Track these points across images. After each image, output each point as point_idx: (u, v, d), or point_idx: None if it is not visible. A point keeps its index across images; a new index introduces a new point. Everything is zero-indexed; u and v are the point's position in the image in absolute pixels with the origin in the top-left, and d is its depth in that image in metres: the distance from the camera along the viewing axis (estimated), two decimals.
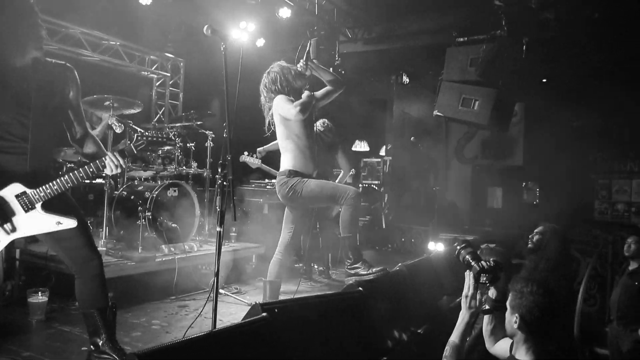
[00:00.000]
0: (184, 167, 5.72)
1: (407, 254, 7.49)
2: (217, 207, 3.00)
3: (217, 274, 3.01)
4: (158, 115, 7.94)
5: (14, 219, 2.66)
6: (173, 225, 5.27)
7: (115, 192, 5.42)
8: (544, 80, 8.70)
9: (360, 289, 3.55)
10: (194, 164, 5.97)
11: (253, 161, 6.06)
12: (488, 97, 6.57)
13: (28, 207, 2.68)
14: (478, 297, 2.60)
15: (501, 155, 10.65)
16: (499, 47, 6.15)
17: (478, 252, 2.80)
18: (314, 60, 4.23)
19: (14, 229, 2.67)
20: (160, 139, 2.98)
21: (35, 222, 2.70)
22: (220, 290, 5.15)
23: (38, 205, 2.69)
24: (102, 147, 3.07)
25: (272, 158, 5.49)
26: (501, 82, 6.47)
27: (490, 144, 10.63)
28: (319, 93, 4.39)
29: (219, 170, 3.30)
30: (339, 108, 8.30)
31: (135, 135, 2.91)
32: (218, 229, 3.05)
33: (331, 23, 7.34)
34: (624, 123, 9.09)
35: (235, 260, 5.69)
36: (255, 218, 6.61)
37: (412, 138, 7.74)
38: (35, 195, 2.67)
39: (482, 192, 10.89)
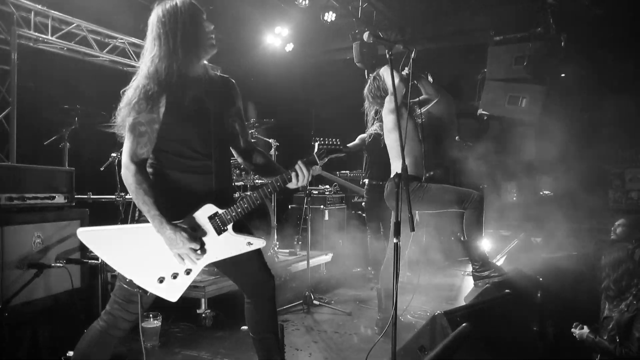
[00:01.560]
0: (255, 177, 5.56)
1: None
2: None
3: (395, 293, 2.87)
4: None
5: (207, 243, 2.49)
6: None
7: None
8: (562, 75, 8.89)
9: (508, 291, 3.56)
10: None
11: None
12: (537, 93, 6.70)
13: (221, 229, 2.49)
14: None
15: (513, 150, 10.86)
16: (550, 44, 6.26)
17: None
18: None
19: (206, 253, 2.50)
20: None
21: (228, 245, 2.54)
22: (314, 302, 5.06)
23: (229, 226, 2.52)
24: (270, 157, 2.92)
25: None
26: (549, 79, 6.58)
27: (502, 139, 10.84)
28: (416, 100, 4.49)
29: None
30: None
31: (317, 144, 2.73)
32: (395, 240, 2.96)
33: (370, 26, 7.30)
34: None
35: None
36: (316, 225, 6.51)
37: (456, 137, 7.82)
38: (227, 215, 2.49)
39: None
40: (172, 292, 2.42)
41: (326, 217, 6.48)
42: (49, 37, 5.44)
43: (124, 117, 2.32)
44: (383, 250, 6.39)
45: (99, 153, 5.09)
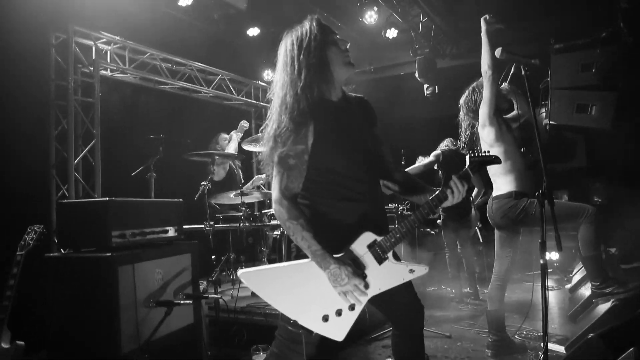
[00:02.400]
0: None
1: None
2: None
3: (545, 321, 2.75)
4: None
5: (369, 275, 2.35)
6: None
7: (275, 233, 5.17)
8: None
9: None
10: None
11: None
12: (607, 100, 6.53)
13: (381, 257, 2.35)
14: None
15: (563, 158, 10.66)
16: (622, 49, 6.14)
17: None
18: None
19: (370, 287, 2.36)
20: None
21: (389, 274, 2.38)
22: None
23: (390, 254, 2.39)
24: (409, 173, 2.79)
25: None
26: (621, 84, 6.43)
27: (550, 147, 10.66)
28: (509, 116, 4.46)
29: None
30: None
31: (468, 157, 2.57)
32: (541, 261, 2.85)
33: (428, 40, 7.24)
34: None
35: None
36: None
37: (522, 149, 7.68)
38: (387, 242, 2.35)
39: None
40: (337, 330, 2.26)
41: None
42: (127, 66, 5.45)
43: (269, 152, 2.24)
44: (461, 266, 6.28)
45: (183, 182, 5.04)
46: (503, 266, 4.17)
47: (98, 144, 5.04)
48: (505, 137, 4.15)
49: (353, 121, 2.43)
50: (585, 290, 4.83)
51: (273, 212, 2.29)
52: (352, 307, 2.30)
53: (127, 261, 2.98)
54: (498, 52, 2.94)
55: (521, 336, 4.52)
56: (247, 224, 4.93)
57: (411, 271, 2.43)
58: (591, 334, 2.89)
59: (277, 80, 2.36)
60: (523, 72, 3.09)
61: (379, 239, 2.34)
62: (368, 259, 2.36)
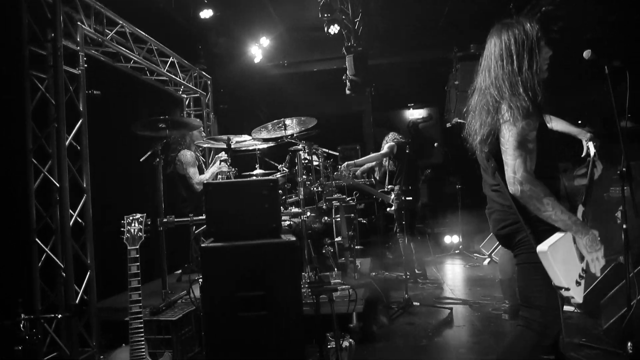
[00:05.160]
0: None
1: None
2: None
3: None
4: None
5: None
6: None
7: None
8: None
9: None
10: None
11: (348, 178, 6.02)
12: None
13: None
14: None
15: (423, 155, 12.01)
16: None
17: None
18: None
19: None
20: None
21: None
22: (415, 303, 5.21)
23: None
24: None
25: None
26: None
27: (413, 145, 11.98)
28: None
29: None
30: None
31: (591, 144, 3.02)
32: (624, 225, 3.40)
33: (358, 38, 7.58)
34: None
35: None
36: None
37: (435, 144, 8.44)
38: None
39: None
40: (579, 294, 2.40)
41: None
42: (105, 38, 4.64)
43: (520, 130, 2.33)
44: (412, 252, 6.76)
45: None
46: None
47: (85, 125, 4.21)
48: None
49: None
50: None
51: (515, 192, 2.35)
52: (581, 277, 2.43)
53: None
54: (587, 53, 3.37)
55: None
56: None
57: None
58: None
59: (497, 66, 2.48)
60: (607, 71, 3.62)
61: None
62: None
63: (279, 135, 4.99)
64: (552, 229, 2.37)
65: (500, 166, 2.48)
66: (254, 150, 5.01)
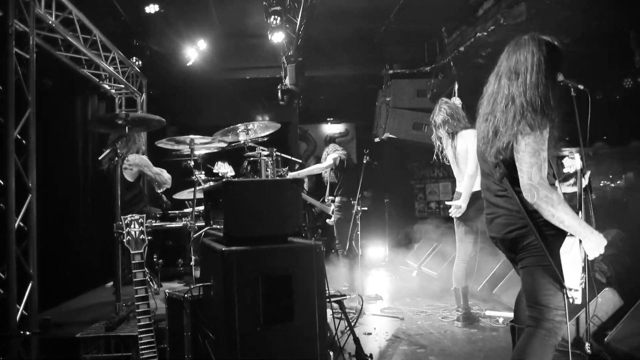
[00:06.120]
0: None
1: None
2: None
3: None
4: None
5: None
6: None
7: None
8: None
9: None
10: None
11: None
12: None
13: None
14: None
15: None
16: (452, 81, 7.74)
17: None
18: None
19: None
20: None
21: None
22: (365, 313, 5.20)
23: None
24: None
25: None
26: None
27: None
28: None
29: None
30: None
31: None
32: None
33: (300, 49, 7.56)
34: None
35: None
36: None
37: (365, 158, 8.50)
38: None
39: None
40: (580, 296, 2.51)
41: None
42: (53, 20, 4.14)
43: (535, 140, 2.44)
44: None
45: None
46: (468, 249, 4.92)
47: (33, 116, 3.71)
48: None
49: None
50: None
51: (531, 198, 2.43)
52: (582, 280, 2.54)
53: None
54: (560, 76, 3.62)
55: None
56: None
57: None
58: None
59: (519, 72, 2.57)
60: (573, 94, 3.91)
61: None
62: None
63: (236, 140, 4.80)
64: (558, 233, 2.49)
65: (508, 173, 2.57)
66: (190, 157, 4.74)
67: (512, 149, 2.53)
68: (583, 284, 2.56)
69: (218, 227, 2.79)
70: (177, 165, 4.94)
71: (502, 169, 2.62)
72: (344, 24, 7.87)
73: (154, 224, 4.38)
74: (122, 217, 2.46)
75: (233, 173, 4.73)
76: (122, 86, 6.07)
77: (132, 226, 2.43)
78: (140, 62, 6.22)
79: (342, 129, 12.74)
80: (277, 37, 6.99)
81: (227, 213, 2.45)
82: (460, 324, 4.87)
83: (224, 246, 2.37)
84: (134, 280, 2.34)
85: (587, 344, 3.82)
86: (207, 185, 4.27)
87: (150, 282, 4.72)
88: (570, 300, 2.52)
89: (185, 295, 3.06)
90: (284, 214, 2.53)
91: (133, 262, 2.37)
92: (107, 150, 3.82)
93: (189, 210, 4.79)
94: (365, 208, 6.05)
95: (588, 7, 6.15)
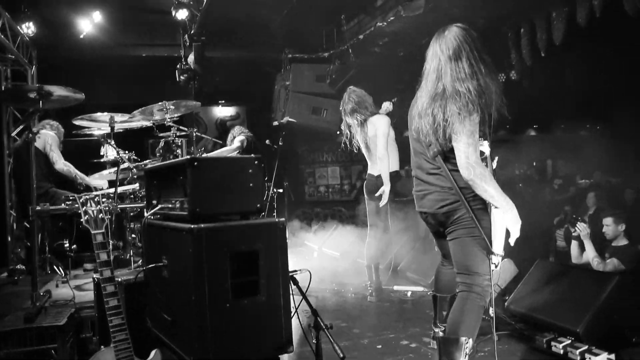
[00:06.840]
0: None
1: None
2: None
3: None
4: None
5: None
6: None
7: None
8: None
9: None
10: None
11: None
12: (337, 107, 8.40)
13: None
14: None
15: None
16: (350, 68, 8.04)
17: None
18: None
19: None
20: None
21: None
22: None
23: None
24: None
25: None
26: None
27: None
28: None
29: None
30: None
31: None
32: None
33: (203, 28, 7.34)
34: None
35: None
36: None
37: (267, 141, 8.42)
38: None
39: None
40: (499, 261, 2.88)
41: None
42: None
43: (470, 122, 2.70)
44: None
45: None
46: (380, 228, 5.23)
47: None
48: None
49: None
50: None
51: (468, 175, 2.68)
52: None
53: None
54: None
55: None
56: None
57: None
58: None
59: (454, 66, 2.78)
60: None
61: None
62: None
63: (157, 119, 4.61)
64: (484, 207, 2.82)
65: (442, 151, 2.81)
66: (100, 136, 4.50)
67: (445, 129, 2.76)
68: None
69: (170, 206, 2.72)
70: (85, 145, 4.62)
71: (436, 148, 2.85)
72: (245, 5, 7.77)
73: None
74: (75, 196, 2.30)
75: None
76: (12, 57, 5.45)
77: (89, 205, 2.28)
78: (31, 31, 5.61)
79: (233, 112, 12.58)
80: (181, 14, 6.76)
81: (193, 190, 2.41)
82: (374, 299, 5.17)
83: (190, 224, 2.34)
84: (98, 261, 2.21)
85: (490, 309, 4.32)
86: (143, 164, 4.05)
87: (58, 269, 4.41)
88: (492, 266, 2.86)
89: (120, 280, 2.95)
90: (248, 191, 2.54)
91: (95, 242, 2.23)
92: (20, 126, 3.46)
93: (102, 191, 4.50)
94: (281, 190, 6.10)
95: (477, 6, 6.74)
